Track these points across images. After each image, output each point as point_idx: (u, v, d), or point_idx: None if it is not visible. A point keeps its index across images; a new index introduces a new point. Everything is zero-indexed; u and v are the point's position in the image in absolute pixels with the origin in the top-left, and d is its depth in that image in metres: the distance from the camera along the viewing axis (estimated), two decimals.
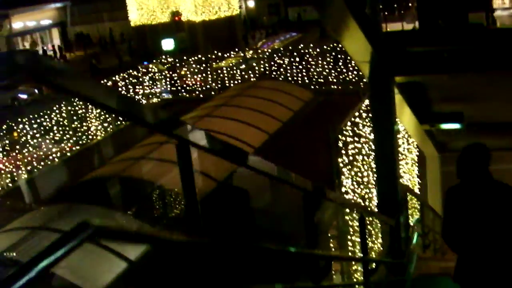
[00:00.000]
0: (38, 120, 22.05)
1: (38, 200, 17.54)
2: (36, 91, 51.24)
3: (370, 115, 17.56)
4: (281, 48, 31.49)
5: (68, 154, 22.92)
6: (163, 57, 30.23)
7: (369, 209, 15.76)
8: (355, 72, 26.24)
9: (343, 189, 14.98)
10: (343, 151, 15.17)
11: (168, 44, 53.16)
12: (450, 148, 19.97)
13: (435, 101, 14.71)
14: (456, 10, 38.26)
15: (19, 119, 21.57)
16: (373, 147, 17.62)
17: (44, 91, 51.95)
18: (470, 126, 15.66)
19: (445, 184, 23.24)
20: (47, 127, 22.40)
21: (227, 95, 24.16)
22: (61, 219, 14.17)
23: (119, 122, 25.98)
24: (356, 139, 16.39)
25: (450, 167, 20.68)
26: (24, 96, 49.59)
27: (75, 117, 23.89)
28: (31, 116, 21.95)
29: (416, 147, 22.89)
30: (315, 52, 27.32)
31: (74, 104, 23.90)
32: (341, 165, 14.91)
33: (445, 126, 15.28)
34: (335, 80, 26.97)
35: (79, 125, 24.02)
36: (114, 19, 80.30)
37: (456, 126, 15.21)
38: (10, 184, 20.79)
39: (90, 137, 24.50)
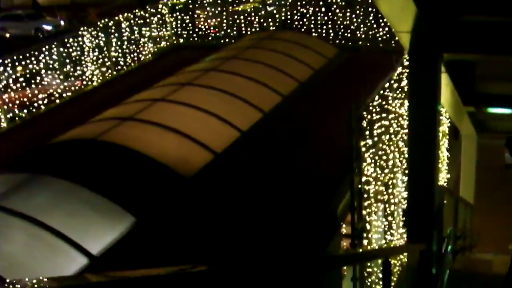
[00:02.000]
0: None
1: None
2: (62, 22, 49.21)
3: (402, 85, 14.82)
4: None
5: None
6: None
7: (393, 239, 13.09)
8: (386, 29, 23.38)
9: (364, 178, 12.27)
10: (367, 132, 12.39)
11: None
12: (491, 128, 17.29)
13: (484, 80, 11.90)
14: None
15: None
16: (402, 122, 14.97)
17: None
18: None
19: (481, 165, 20.61)
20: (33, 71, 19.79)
21: (240, 46, 21.34)
22: (17, 195, 11.60)
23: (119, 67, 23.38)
24: (384, 115, 13.61)
25: (488, 147, 17.95)
26: (48, 27, 47.94)
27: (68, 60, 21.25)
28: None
29: (448, 118, 20.10)
30: (343, 2, 24.36)
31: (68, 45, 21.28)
32: (363, 149, 12.15)
33: (494, 110, 12.50)
34: (363, 36, 24.07)
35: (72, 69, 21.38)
36: None
37: (507, 110, 12.43)
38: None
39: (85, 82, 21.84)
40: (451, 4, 7.81)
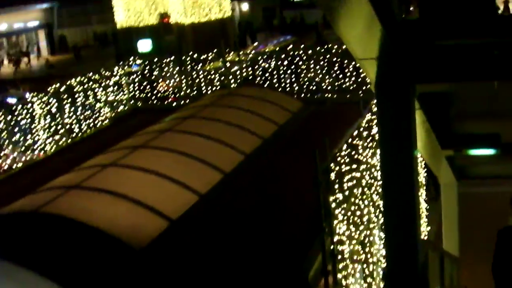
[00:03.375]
0: None
1: None
2: (27, 95, 48.51)
3: (372, 133, 13.66)
4: (266, 50, 27.72)
5: None
6: (131, 59, 26.21)
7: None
8: (353, 79, 22.42)
9: (336, 237, 10.97)
10: (337, 185, 11.14)
11: (144, 45, 48.89)
12: (473, 175, 16.13)
13: (463, 119, 10.71)
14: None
15: None
16: (375, 174, 13.79)
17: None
18: (506, 150, 11.73)
19: (464, 214, 19.35)
20: None
21: (199, 104, 20.14)
22: None
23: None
24: (354, 166, 12.39)
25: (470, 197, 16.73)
26: (13, 100, 47.30)
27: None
28: None
29: (424, 167, 18.95)
30: (305, 56, 23.40)
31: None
32: (333, 205, 10.87)
33: (476, 152, 11.29)
34: (329, 88, 23.08)
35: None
36: (103, 22, 78.24)
37: (490, 151, 11.23)
38: None
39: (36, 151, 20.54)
40: (423, 26, 6.62)
